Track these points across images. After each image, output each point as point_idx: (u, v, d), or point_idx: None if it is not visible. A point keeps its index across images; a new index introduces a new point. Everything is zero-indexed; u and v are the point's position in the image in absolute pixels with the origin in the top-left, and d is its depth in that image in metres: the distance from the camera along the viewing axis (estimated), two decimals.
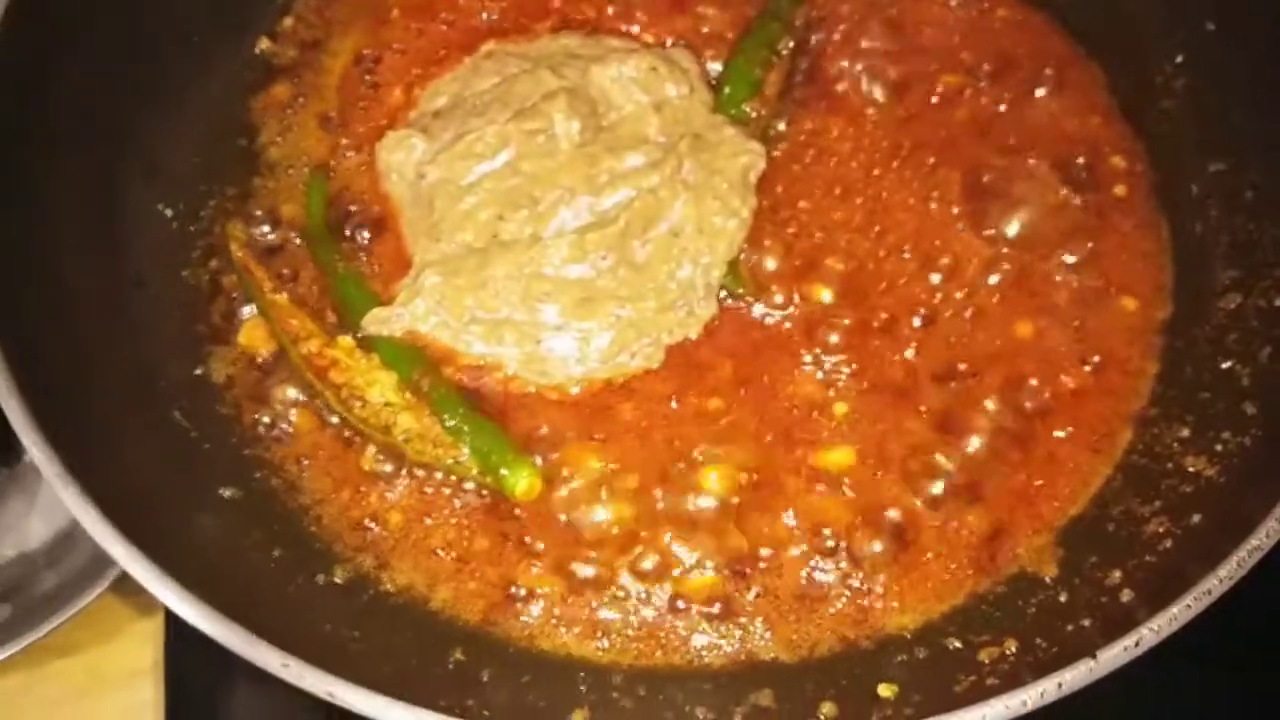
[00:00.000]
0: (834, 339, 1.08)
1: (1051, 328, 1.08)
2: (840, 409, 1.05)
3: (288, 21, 1.23)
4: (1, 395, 0.84)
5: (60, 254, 1.00)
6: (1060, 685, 0.73)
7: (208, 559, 0.89)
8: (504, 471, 1.00)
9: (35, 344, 0.89)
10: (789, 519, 1.00)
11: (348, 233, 1.13)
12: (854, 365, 1.07)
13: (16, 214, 0.95)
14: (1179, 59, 1.17)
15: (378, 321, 1.07)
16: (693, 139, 1.13)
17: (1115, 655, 0.74)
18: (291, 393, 1.06)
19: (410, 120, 1.19)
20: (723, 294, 1.10)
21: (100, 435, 0.91)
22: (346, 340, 1.06)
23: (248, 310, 1.10)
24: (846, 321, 1.09)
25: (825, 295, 1.10)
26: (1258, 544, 0.78)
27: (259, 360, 1.07)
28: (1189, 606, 0.76)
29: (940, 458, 1.03)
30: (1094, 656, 0.74)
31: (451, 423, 1.02)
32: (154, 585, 0.76)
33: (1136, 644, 0.75)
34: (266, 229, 1.13)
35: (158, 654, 1.15)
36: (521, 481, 0.99)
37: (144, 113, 1.11)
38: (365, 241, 1.13)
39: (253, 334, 1.09)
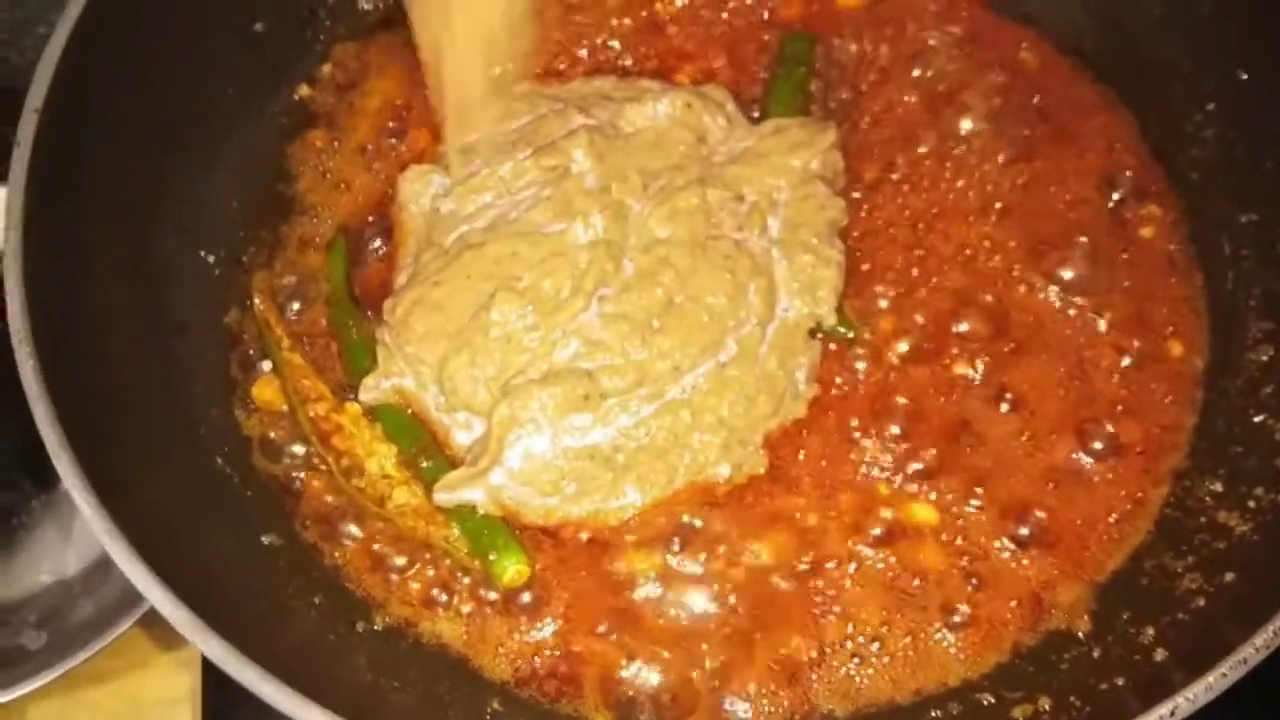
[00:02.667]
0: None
1: (1103, 375, 1.09)
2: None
3: (326, 68, 1.25)
4: (51, 447, 0.86)
5: (105, 300, 1.01)
6: None
7: (251, 608, 0.90)
8: (493, 556, 0.99)
9: (80, 391, 0.90)
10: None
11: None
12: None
13: (63, 261, 0.97)
14: (1210, 107, 1.17)
15: (368, 389, 1.07)
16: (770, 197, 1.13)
17: None
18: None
19: (437, 156, 1.19)
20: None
21: (145, 482, 0.93)
22: (354, 407, 1.07)
23: (268, 364, 1.11)
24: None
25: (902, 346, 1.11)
26: None
27: (282, 413, 1.08)
28: (1225, 675, 0.76)
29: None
30: None
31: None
32: (202, 642, 0.78)
33: (1172, 713, 0.75)
34: (293, 279, 1.14)
35: (191, 683, 1.16)
36: (510, 568, 0.99)
37: (186, 160, 1.13)
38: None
39: (265, 390, 1.10)
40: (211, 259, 1.13)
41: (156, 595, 0.79)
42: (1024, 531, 1.02)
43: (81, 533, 1.19)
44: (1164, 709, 0.75)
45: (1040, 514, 1.03)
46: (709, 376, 1.04)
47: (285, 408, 1.08)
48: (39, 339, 0.88)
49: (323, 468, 1.06)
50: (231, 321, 1.13)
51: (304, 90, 1.24)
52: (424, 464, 1.04)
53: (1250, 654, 0.77)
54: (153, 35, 1.07)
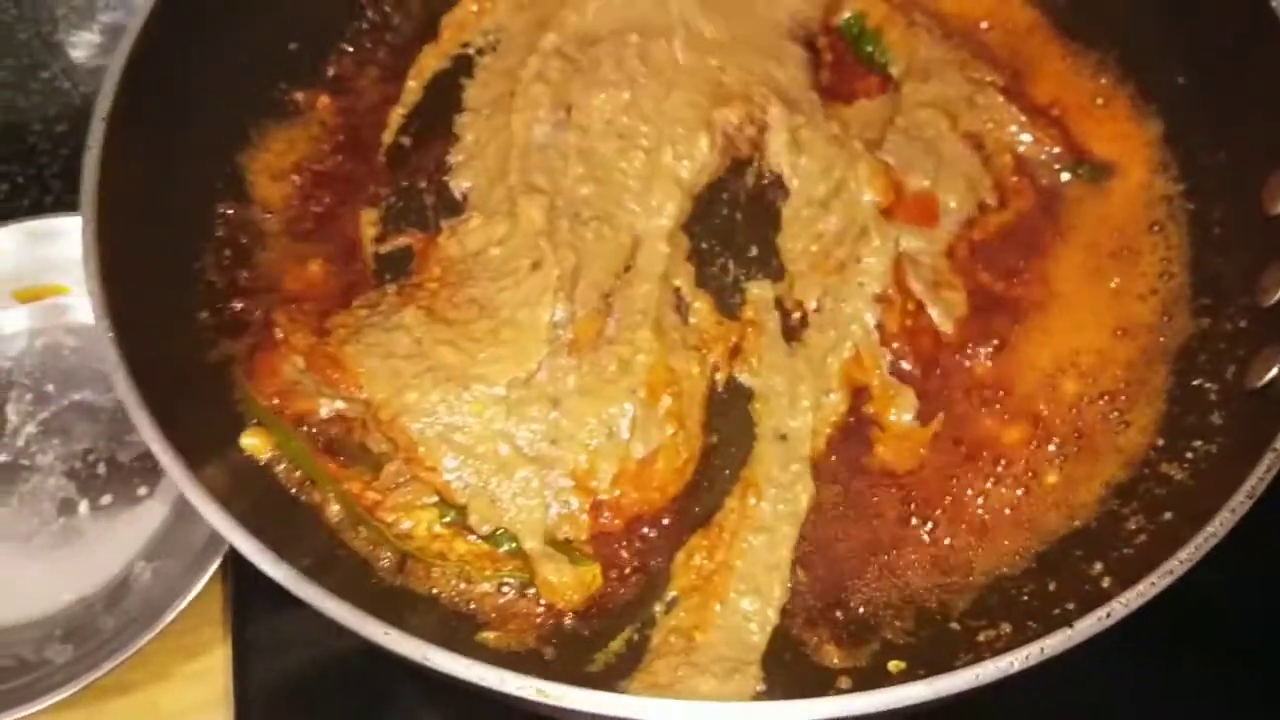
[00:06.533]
0: None
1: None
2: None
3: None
4: (132, 411, 0.97)
5: (164, 284, 1.14)
6: (1042, 650, 0.85)
7: (311, 553, 1.02)
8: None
9: (150, 371, 1.01)
10: None
11: None
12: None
13: (132, 263, 1.08)
14: (1153, 107, 1.30)
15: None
16: None
17: (1090, 625, 0.87)
18: None
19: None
20: None
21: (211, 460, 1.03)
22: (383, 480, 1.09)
23: None
24: None
25: None
26: (1213, 531, 0.90)
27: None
28: (1153, 584, 0.88)
29: None
30: (1070, 625, 0.86)
31: (507, 546, 1.06)
32: (272, 570, 0.90)
33: (1108, 615, 0.87)
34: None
35: (210, 693, 1.24)
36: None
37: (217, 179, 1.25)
38: None
39: (254, 437, 1.11)
40: None
41: (233, 535, 0.92)
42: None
43: (103, 551, 1.27)
44: (1101, 612, 0.87)
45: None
46: None
47: (269, 456, 1.11)
48: (116, 323, 1.01)
49: None
50: None
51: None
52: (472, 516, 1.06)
53: (1175, 566, 0.89)
54: (202, 52, 1.21)
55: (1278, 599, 1.24)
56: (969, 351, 1.18)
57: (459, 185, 1.27)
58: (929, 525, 1.10)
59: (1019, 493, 1.12)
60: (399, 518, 1.07)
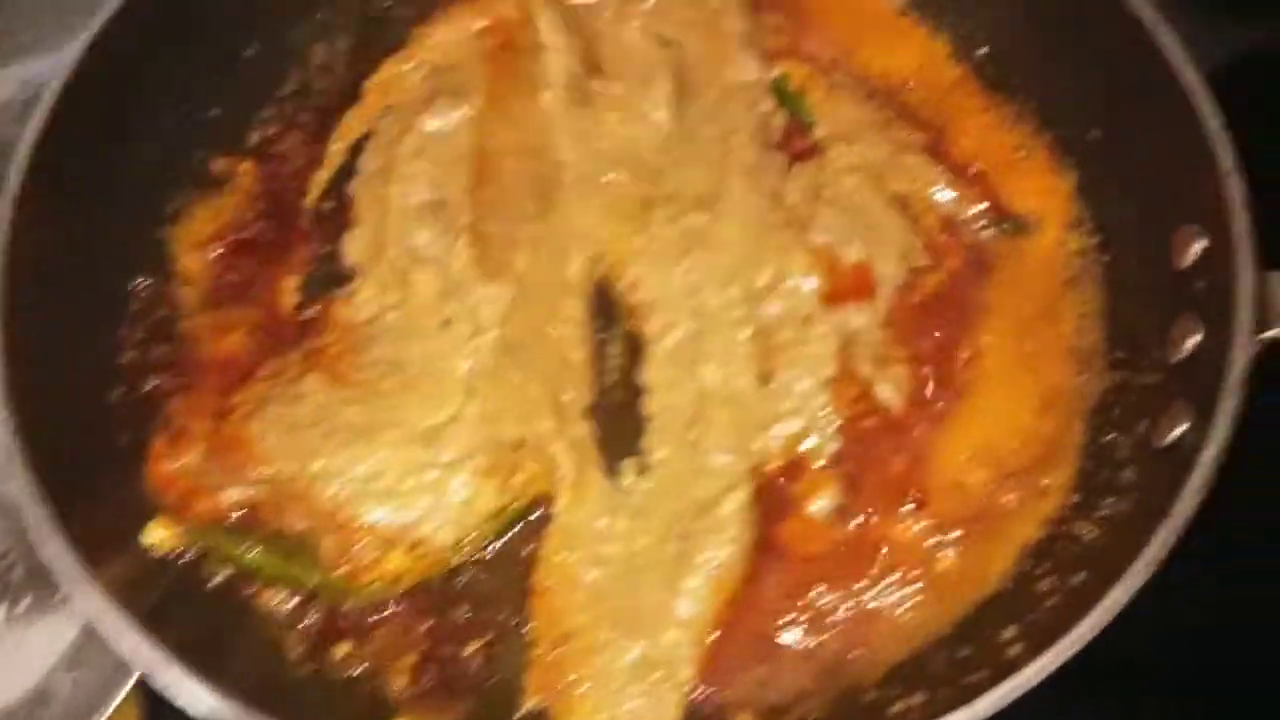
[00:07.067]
0: None
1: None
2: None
3: None
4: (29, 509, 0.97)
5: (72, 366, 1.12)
6: None
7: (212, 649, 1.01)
8: None
9: (52, 453, 1.01)
10: None
11: None
12: None
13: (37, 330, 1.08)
14: (1070, 160, 1.31)
15: None
16: None
17: (994, 700, 0.88)
18: None
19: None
20: None
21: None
22: None
23: None
24: None
25: None
26: (1117, 598, 0.92)
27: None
28: (1058, 655, 0.89)
29: None
30: (977, 699, 0.88)
31: None
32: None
33: (1015, 687, 0.88)
34: None
35: None
36: None
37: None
38: None
39: (161, 529, 1.09)
40: None
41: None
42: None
43: (19, 664, 1.20)
44: (1007, 686, 0.88)
45: None
46: None
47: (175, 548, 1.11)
48: (18, 411, 1.00)
49: None
50: None
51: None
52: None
53: (1082, 633, 0.90)
54: (120, 122, 1.20)
55: (1201, 652, 1.24)
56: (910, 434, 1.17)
57: (348, 251, 1.27)
58: (825, 615, 1.10)
59: (917, 589, 1.11)
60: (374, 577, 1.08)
